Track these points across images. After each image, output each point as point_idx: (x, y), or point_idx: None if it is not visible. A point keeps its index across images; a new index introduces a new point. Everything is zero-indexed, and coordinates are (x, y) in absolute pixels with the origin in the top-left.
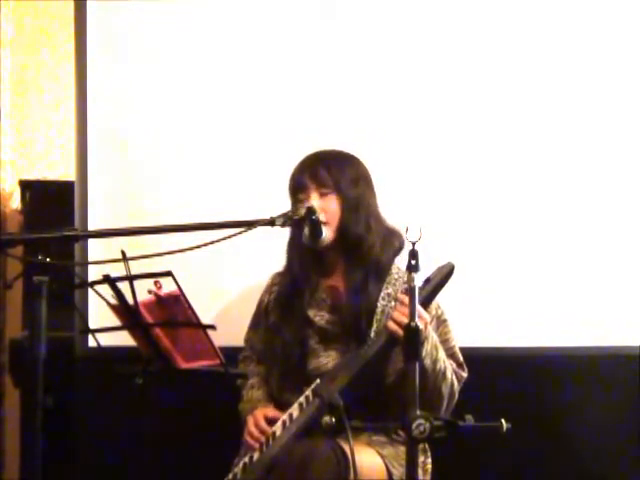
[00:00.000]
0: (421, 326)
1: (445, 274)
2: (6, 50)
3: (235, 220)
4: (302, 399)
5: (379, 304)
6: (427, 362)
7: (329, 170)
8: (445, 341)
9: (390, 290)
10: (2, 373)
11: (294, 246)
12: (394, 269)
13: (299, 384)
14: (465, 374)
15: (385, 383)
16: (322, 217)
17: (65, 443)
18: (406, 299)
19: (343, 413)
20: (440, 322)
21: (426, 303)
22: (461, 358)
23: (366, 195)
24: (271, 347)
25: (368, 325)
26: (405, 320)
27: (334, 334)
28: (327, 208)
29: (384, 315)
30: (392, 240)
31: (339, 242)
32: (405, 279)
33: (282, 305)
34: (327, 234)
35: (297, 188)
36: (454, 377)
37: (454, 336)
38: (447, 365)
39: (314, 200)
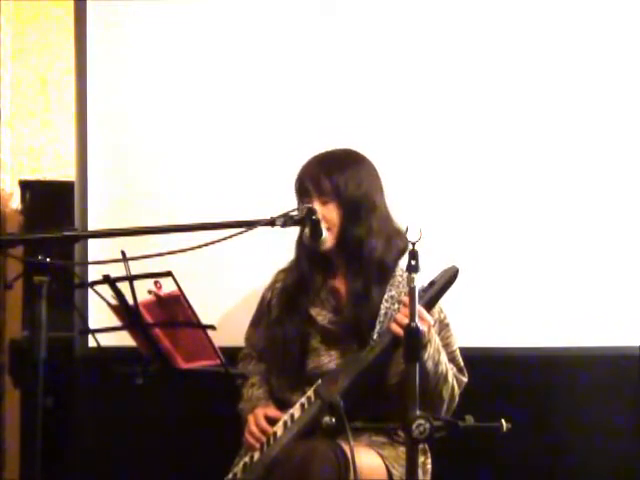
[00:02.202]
0: (424, 329)
1: (449, 277)
2: (6, 50)
3: (235, 220)
4: (304, 399)
5: (382, 306)
6: (429, 365)
7: (330, 177)
8: (446, 345)
9: (393, 292)
10: (2, 373)
11: (302, 244)
12: (398, 271)
13: (300, 383)
14: (465, 379)
15: (387, 384)
16: (323, 224)
17: (65, 443)
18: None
19: (343, 413)
20: (443, 326)
21: (430, 306)
22: (462, 363)
23: (370, 196)
24: (272, 342)
25: (370, 327)
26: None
27: (336, 334)
28: (327, 216)
29: (387, 317)
30: (397, 241)
31: (340, 247)
32: None
33: (285, 300)
34: (328, 238)
35: (301, 193)
36: (455, 381)
37: (455, 340)
38: (448, 368)
39: (316, 207)
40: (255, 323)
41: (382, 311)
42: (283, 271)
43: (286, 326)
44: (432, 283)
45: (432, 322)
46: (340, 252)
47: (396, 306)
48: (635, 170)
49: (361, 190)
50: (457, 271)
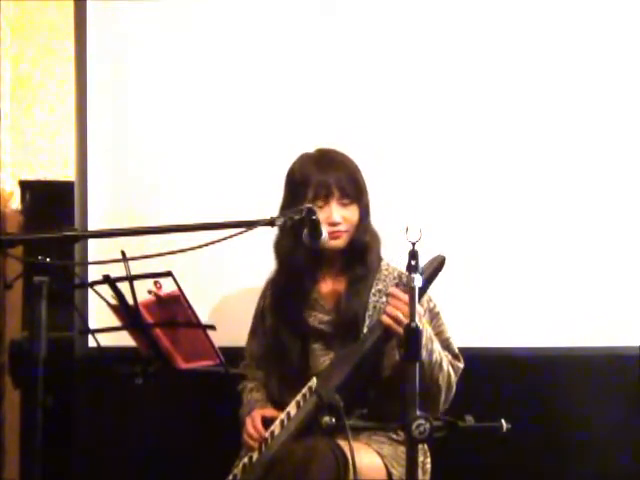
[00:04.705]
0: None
1: (437, 266)
2: (6, 50)
3: (235, 220)
4: (299, 397)
5: (370, 300)
6: (423, 354)
7: (353, 179)
8: (439, 333)
9: (380, 286)
10: (2, 373)
11: (286, 247)
12: (383, 265)
13: (299, 386)
14: (461, 365)
15: (381, 377)
16: (342, 227)
17: (65, 443)
18: (399, 293)
19: (343, 413)
20: (433, 315)
21: (419, 296)
22: (456, 349)
23: (369, 202)
24: (269, 349)
25: (362, 323)
26: (399, 314)
27: (330, 334)
28: (349, 218)
29: (376, 310)
30: (379, 240)
31: (350, 249)
32: (395, 275)
33: (277, 308)
34: (340, 242)
35: (317, 194)
36: (450, 368)
37: (447, 327)
38: (443, 356)
39: (334, 209)
40: (252, 333)
41: (370, 305)
42: (272, 278)
43: (281, 333)
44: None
45: (422, 312)
46: (344, 254)
47: (384, 299)
48: (635, 170)
49: (367, 197)
50: (444, 260)
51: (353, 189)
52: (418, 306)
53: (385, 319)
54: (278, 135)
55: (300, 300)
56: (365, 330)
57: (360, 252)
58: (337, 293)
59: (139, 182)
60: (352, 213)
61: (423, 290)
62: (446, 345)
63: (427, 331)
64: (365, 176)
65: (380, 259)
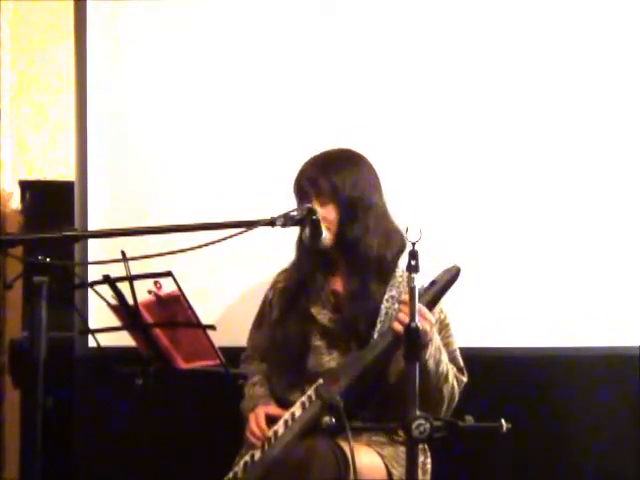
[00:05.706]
0: (426, 327)
1: (451, 277)
2: (6, 50)
3: (235, 220)
4: (304, 398)
5: (383, 306)
6: (430, 363)
7: (328, 178)
8: (447, 345)
9: (394, 292)
10: (2, 373)
11: (303, 244)
12: (398, 272)
13: (300, 381)
14: (465, 379)
15: (387, 384)
16: (322, 224)
17: (65, 443)
18: None
19: (343, 413)
20: (443, 326)
21: (432, 305)
22: (462, 363)
23: (367, 195)
24: (273, 341)
25: (370, 327)
26: None
27: (336, 333)
28: (327, 216)
29: (388, 317)
30: (395, 239)
31: (338, 246)
32: None
33: (286, 299)
34: (327, 237)
35: (300, 195)
36: (455, 381)
37: (455, 341)
38: (449, 368)
39: (315, 208)
40: (257, 324)
41: (383, 311)
42: (284, 271)
43: (287, 325)
44: (433, 282)
45: (434, 321)
46: (338, 251)
47: (397, 306)
48: (635, 170)
49: (358, 190)
50: (459, 270)
51: (327, 188)
52: (430, 315)
53: (396, 326)
54: (278, 135)
55: (310, 295)
56: (376, 336)
57: (348, 247)
58: (343, 293)
59: (139, 182)
60: (328, 212)
61: (437, 299)
62: (452, 358)
63: (436, 341)
64: None
65: (391, 258)
